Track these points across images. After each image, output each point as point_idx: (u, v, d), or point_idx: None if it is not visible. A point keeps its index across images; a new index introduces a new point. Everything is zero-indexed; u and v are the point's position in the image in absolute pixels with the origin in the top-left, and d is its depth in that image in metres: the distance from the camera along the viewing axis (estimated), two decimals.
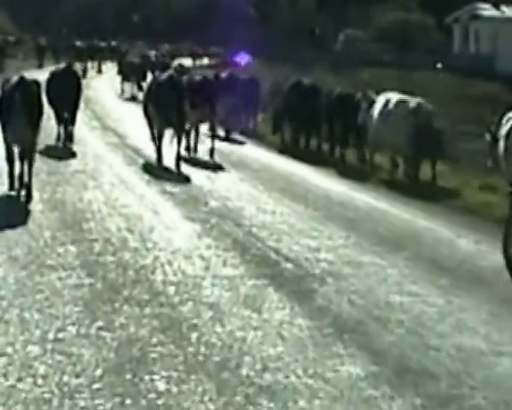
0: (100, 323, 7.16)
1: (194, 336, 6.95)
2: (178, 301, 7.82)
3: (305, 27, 65.93)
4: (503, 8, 52.95)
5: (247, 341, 6.88)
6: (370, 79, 38.45)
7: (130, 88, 34.29)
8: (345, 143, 18.59)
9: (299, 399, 5.87)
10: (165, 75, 17.18)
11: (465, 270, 9.47)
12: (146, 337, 6.87)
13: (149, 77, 28.17)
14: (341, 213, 12.43)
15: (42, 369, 6.17)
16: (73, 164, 15.88)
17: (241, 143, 21.17)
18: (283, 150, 20.01)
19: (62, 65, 23.52)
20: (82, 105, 20.77)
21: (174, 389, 5.93)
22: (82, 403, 5.67)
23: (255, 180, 15.06)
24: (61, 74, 18.96)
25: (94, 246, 9.70)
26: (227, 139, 21.25)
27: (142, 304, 7.69)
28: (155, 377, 6.11)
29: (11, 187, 12.43)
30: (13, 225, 10.48)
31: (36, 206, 11.80)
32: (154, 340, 6.82)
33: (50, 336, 6.83)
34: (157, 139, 16.38)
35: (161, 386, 5.97)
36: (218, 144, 18.35)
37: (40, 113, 12.43)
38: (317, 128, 19.99)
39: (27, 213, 11.33)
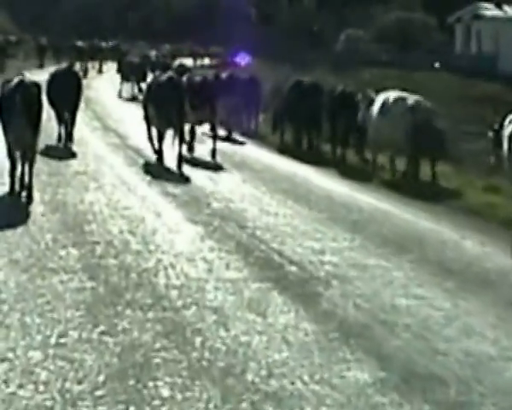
0: (102, 327, 7.06)
1: (198, 340, 6.85)
2: (182, 305, 7.72)
3: (306, 27, 65.84)
4: (506, 7, 52.82)
5: (252, 346, 6.79)
6: (372, 79, 38.35)
7: (130, 88, 34.19)
8: (345, 142, 18.53)
9: (305, 406, 5.78)
10: (164, 76, 17.09)
11: (471, 272, 9.37)
12: (149, 342, 6.78)
13: (149, 77, 28.03)
14: (345, 215, 12.32)
15: (43, 375, 6.08)
16: (74, 165, 15.78)
17: (242, 143, 21.07)
18: (284, 150, 19.92)
19: (63, 65, 23.46)
20: (82, 105, 20.70)
21: (178, 396, 5.84)
22: None
23: (257, 181, 14.96)
24: (62, 75, 18.92)
25: (96, 249, 9.60)
26: (228, 140, 21.15)
27: (144, 308, 7.59)
28: (159, 383, 6.02)
29: (12, 190, 12.34)
30: (13, 228, 10.39)
31: (37, 207, 11.70)
32: (158, 345, 6.72)
33: (52, 341, 6.73)
34: (158, 140, 16.31)
35: (165, 392, 5.88)
36: (220, 145, 18.25)
37: (40, 114, 12.35)
38: (318, 128, 19.91)
39: (28, 214, 11.23)
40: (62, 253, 9.34)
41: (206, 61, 63.07)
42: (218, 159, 17.21)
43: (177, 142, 15.80)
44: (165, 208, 12.14)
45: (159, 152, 16.26)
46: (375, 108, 16.38)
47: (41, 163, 14.40)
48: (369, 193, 14.44)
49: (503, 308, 8.03)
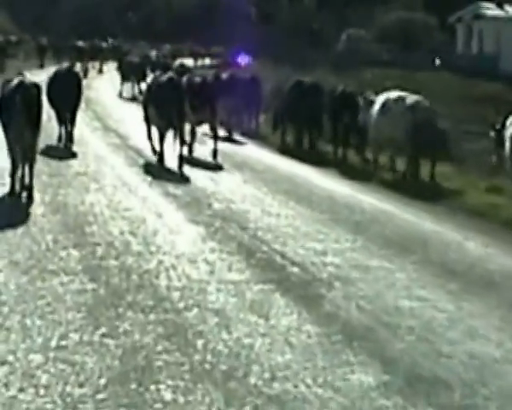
0: (103, 329, 7.00)
1: (200, 343, 6.80)
2: (183, 307, 7.67)
3: (307, 27, 65.77)
4: (507, 7, 52.75)
5: (255, 348, 6.73)
6: (373, 78, 38.29)
7: (130, 88, 34.15)
8: (346, 143, 18.50)
9: (309, 409, 5.72)
10: (164, 76, 17.04)
11: (475, 274, 9.31)
12: (151, 345, 6.72)
13: (150, 77, 27.97)
14: (347, 216, 12.26)
15: (44, 378, 6.02)
16: (75, 165, 15.72)
17: (243, 143, 21.01)
18: (284, 151, 19.87)
19: (63, 65, 23.40)
20: (83, 106, 20.66)
21: (181, 399, 5.78)
22: None
23: (259, 182, 14.90)
24: (62, 75, 18.88)
25: (96, 250, 9.54)
26: (229, 140, 21.09)
27: (146, 310, 7.53)
28: (161, 386, 5.96)
29: (12, 191, 12.28)
30: (14, 229, 10.33)
31: (37, 208, 11.64)
32: (159, 347, 6.67)
33: (53, 343, 6.67)
34: (159, 141, 16.26)
35: (167, 396, 5.83)
36: (221, 145, 18.18)
37: (40, 115, 12.31)
38: (318, 128, 19.87)
39: (28, 215, 11.18)
40: (63, 254, 9.28)
41: (207, 61, 63.02)
42: (219, 159, 17.16)
43: (177, 142, 15.75)
44: (167, 209, 12.08)
45: (160, 153, 16.21)
46: (376, 107, 16.37)
47: (41, 164, 14.35)
48: (371, 193, 14.39)
49: (507, 310, 7.97)
